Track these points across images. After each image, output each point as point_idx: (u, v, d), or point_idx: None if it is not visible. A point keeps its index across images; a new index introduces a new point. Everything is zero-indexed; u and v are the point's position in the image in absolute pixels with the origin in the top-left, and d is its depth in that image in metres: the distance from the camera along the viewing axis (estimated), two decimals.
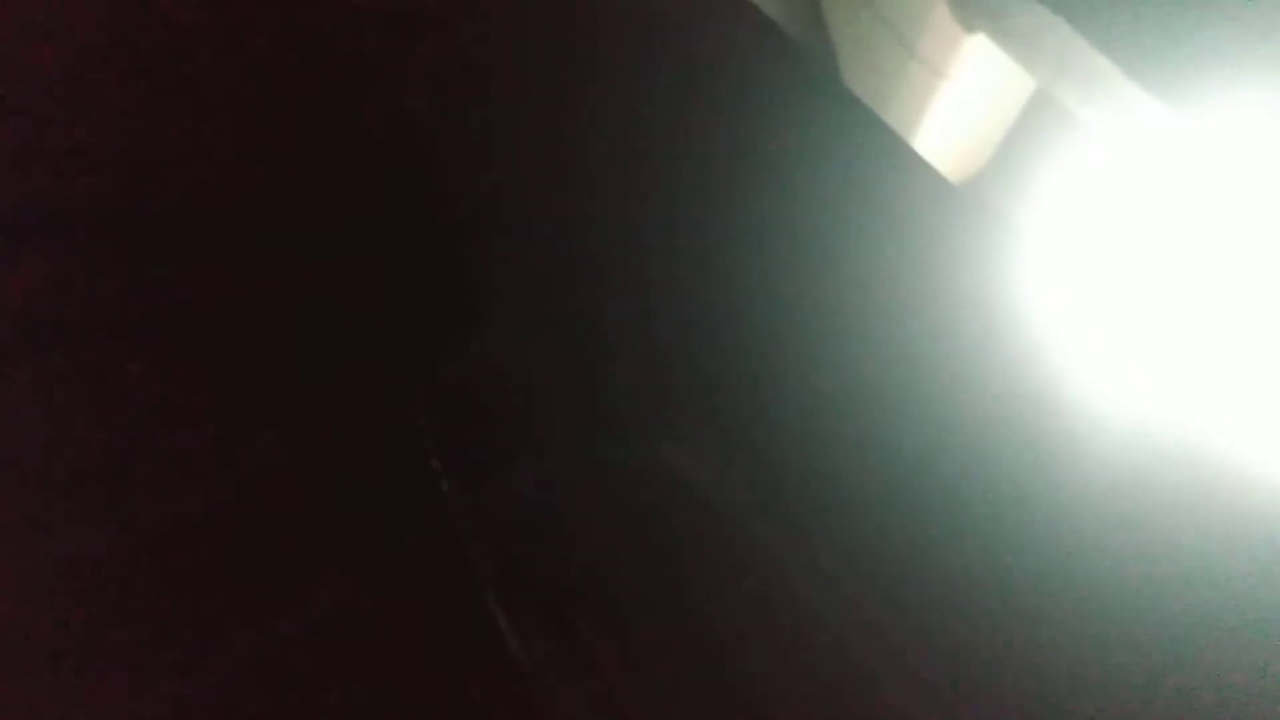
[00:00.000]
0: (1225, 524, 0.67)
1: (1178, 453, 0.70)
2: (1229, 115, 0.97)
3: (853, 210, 0.75)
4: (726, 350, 0.72)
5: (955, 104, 1.96)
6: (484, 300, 0.73)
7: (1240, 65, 0.96)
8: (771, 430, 0.71)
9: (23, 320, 0.63)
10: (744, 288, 0.74)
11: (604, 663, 0.70)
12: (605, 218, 0.74)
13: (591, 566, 0.70)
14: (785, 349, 0.73)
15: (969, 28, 1.38)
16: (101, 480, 0.65)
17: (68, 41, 0.66)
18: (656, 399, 0.72)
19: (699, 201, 0.76)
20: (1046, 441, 0.71)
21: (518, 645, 0.70)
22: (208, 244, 0.70)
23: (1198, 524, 0.67)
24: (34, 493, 0.63)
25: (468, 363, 0.71)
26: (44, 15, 0.64)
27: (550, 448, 0.71)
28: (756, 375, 0.72)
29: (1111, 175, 2.07)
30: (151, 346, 0.67)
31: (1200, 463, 0.70)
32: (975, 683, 0.69)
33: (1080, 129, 1.84)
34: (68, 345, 0.63)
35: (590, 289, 0.73)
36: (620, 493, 0.70)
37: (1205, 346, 1.44)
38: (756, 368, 0.72)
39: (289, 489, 0.67)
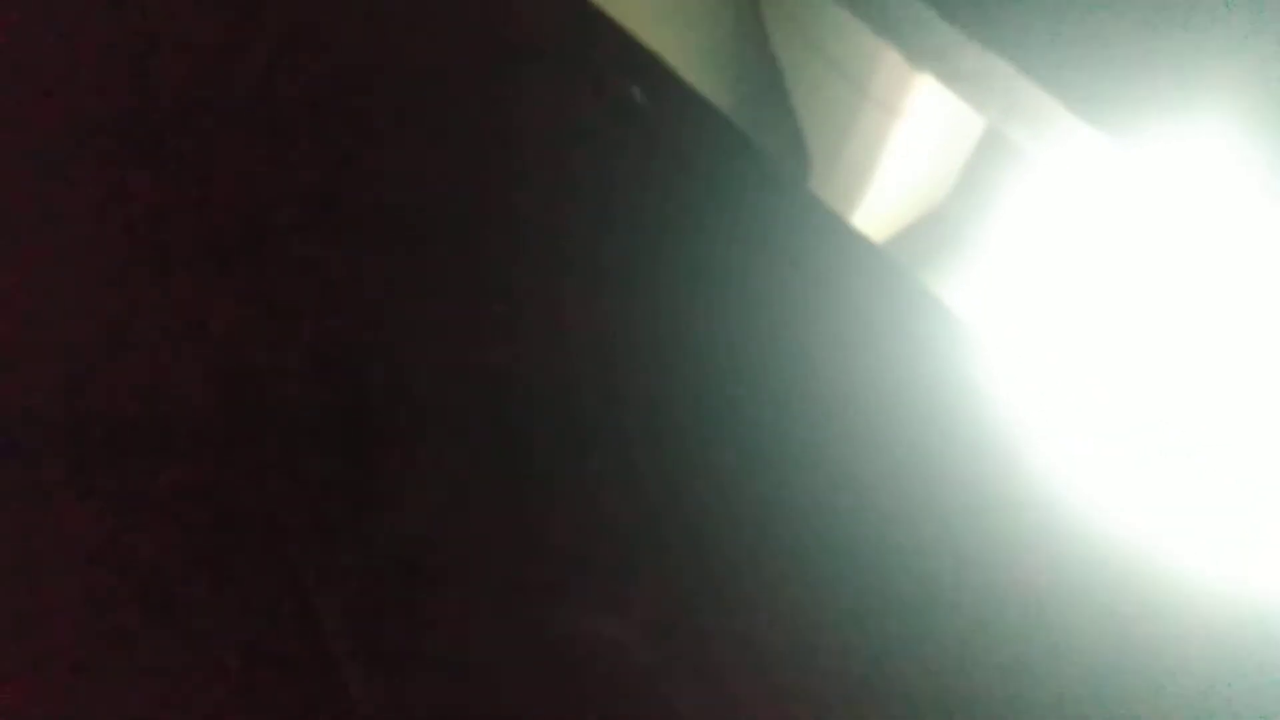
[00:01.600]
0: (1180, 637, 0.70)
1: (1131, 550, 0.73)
2: (1172, 146, 1.01)
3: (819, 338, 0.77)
4: (675, 512, 0.73)
5: (909, 142, 2.00)
6: (397, 477, 0.73)
7: (1181, 99, 1.00)
8: (716, 599, 0.72)
9: None
10: (697, 441, 0.75)
11: None
12: (536, 367, 0.76)
13: None
14: (728, 470, 0.74)
15: (918, 69, 1.42)
16: None
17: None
18: (596, 567, 0.72)
19: (643, 348, 0.77)
20: (1013, 548, 0.72)
21: None
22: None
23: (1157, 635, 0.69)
24: None
25: (380, 529, 0.71)
26: None
27: (470, 620, 0.70)
28: (705, 537, 0.73)
29: (1062, 206, 2.12)
30: None
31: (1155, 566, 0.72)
32: None
33: (1031, 162, 1.90)
34: None
35: (523, 447, 0.74)
36: (551, 664, 0.70)
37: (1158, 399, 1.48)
38: (707, 527, 0.73)
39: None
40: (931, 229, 2.43)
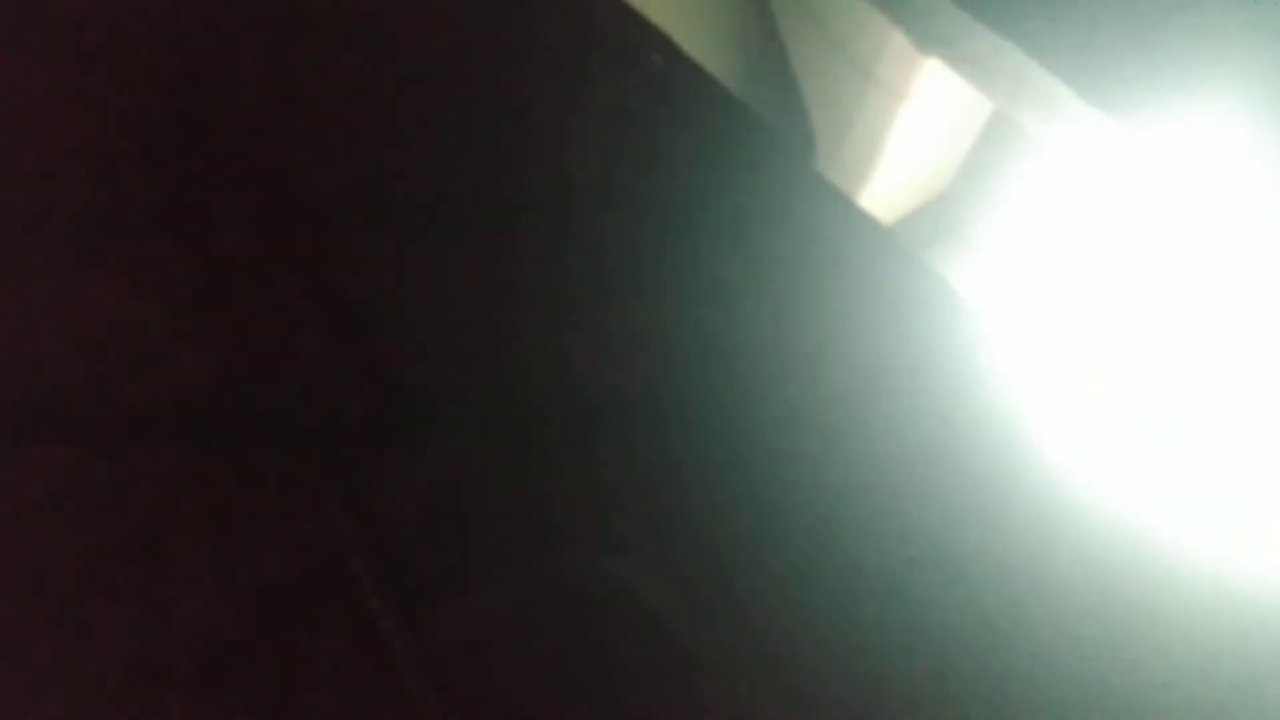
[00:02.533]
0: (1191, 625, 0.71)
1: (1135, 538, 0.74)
2: (1179, 129, 1.01)
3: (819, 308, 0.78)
4: (673, 460, 0.74)
5: (916, 125, 2.00)
6: (419, 423, 0.75)
7: (1187, 81, 1.01)
8: (717, 538, 0.73)
9: None
10: (697, 396, 0.76)
11: None
12: (538, 331, 0.77)
13: (539, 687, 0.70)
14: (733, 456, 0.75)
15: (925, 53, 1.42)
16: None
17: None
18: (598, 512, 0.73)
19: (644, 313, 0.78)
20: (1017, 544, 0.73)
21: None
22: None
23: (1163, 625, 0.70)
24: None
25: (403, 492, 0.72)
26: None
27: (490, 569, 0.72)
28: (703, 484, 0.74)
29: (1069, 189, 2.12)
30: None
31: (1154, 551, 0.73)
32: None
33: (1038, 145, 1.90)
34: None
35: (529, 402, 0.75)
36: (563, 608, 0.71)
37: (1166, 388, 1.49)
38: (703, 476, 0.74)
39: (227, 647, 0.67)
40: (937, 212, 2.43)
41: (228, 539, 0.69)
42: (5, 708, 0.65)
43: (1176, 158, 1.03)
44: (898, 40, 1.55)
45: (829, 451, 0.76)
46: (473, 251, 0.79)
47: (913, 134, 2.09)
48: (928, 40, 1.27)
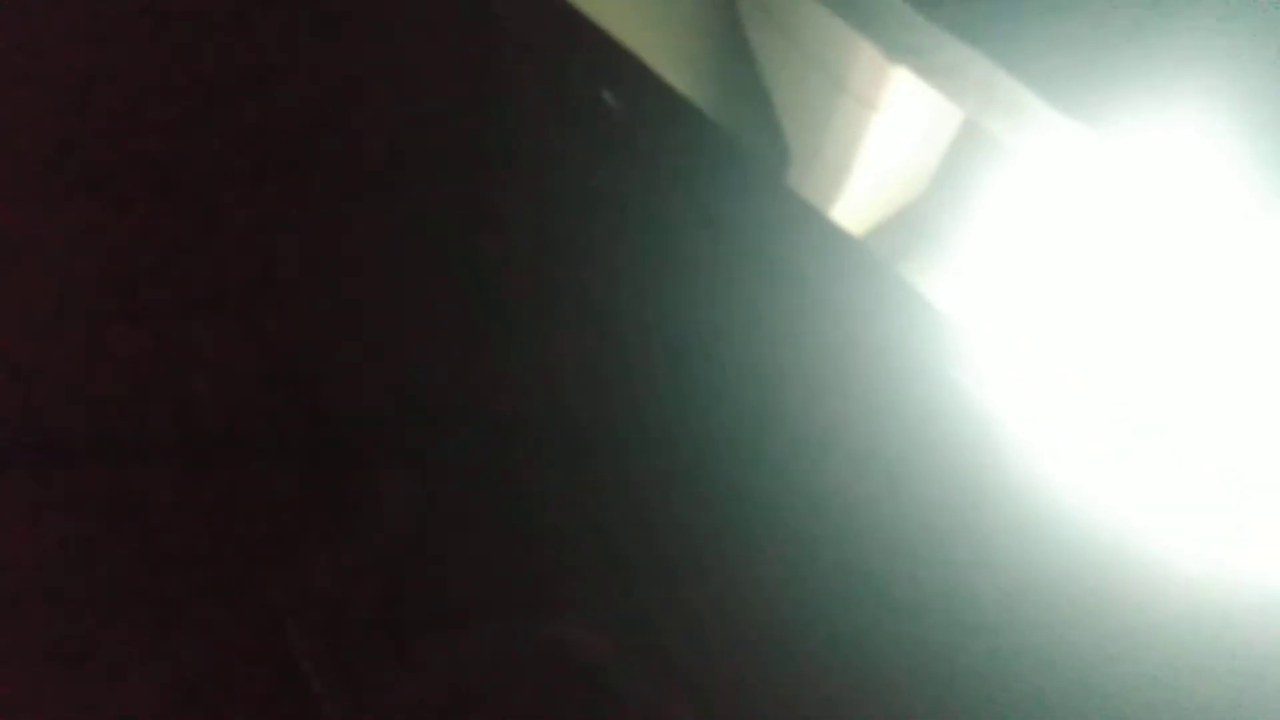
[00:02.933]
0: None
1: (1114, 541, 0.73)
2: (1149, 136, 1.02)
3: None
4: (647, 527, 0.73)
5: (888, 135, 2.01)
6: (376, 494, 0.73)
7: (1157, 89, 1.01)
8: (680, 607, 0.72)
9: None
10: (686, 444, 0.75)
11: None
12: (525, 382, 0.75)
13: None
14: (719, 533, 0.74)
15: (894, 63, 1.42)
16: None
17: None
18: (564, 576, 0.72)
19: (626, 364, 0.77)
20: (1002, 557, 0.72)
21: None
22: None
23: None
24: None
25: (342, 560, 0.70)
26: None
27: (458, 629, 0.70)
28: (670, 553, 0.73)
29: (1041, 197, 2.13)
30: None
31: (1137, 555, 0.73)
32: None
33: (1010, 153, 1.91)
34: None
35: (515, 458, 0.74)
36: (521, 674, 0.70)
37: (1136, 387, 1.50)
38: (672, 546, 0.73)
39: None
40: (911, 221, 2.44)
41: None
42: None
43: (1147, 165, 1.03)
44: (867, 50, 1.54)
45: (802, 461, 0.76)
46: (451, 266, 0.78)
47: (885, 143, 2.09)
48: (897, 50, 1.27)
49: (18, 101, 0.76)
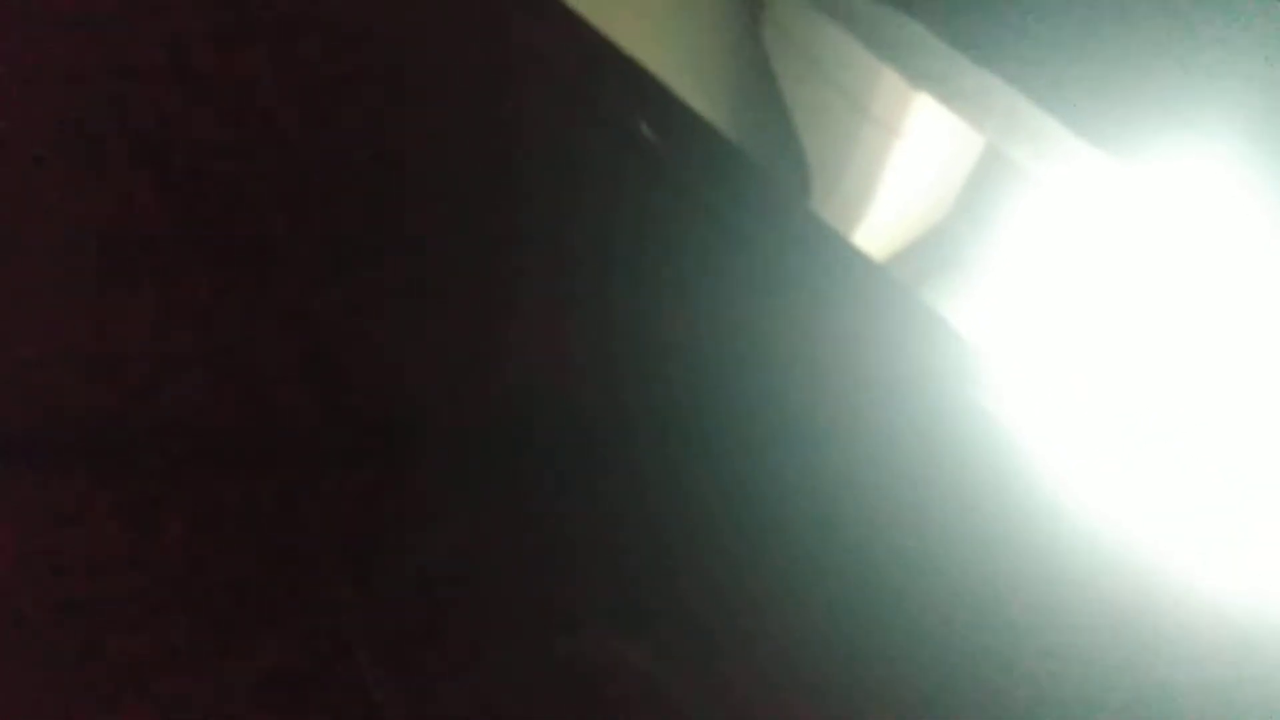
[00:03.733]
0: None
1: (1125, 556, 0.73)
2: (1172, 165, 1.02)
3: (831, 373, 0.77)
4: (691, 537, 0.73)
5: (911, 160, 2.01)
6: (423, 502, 0.74)
7: (1182, 118, 1.01)
8: (729, 618, 0.72)
9: None
10: (706, 466, 0.75)
11: None
12: (544, 392, 0.76)
13: None
14: (744, 532, 0.74)
15: (917, 89, 1.43)
16: None
17: None
18: (613, 589, 0.72)
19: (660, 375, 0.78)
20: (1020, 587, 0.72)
21: None
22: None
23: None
24: None
25: (403, 571, 0.71)
26: None
27: (494, 646, 0.70)
28: (718, 561, 0.73)
29: (1063, 224, 2.13)
30: None
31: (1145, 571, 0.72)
32: None
33: (1032, 180, 1.90)
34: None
35: (540, 478, 0.74)
36: (571, 687, 0.70)
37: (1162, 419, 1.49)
38: (718, 554, 0.73)
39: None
40: (933, 246, 2.43)
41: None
42: None
43: (1173, 195, 1.03)
44: (890, 76, 1.55)
45: (828, 485, 0.76)
46: (468, 284, 0.79)
47: (907, 168, 2.09)
48: (920, 77, 1.28)
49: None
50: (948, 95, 1.26)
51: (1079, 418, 0.81)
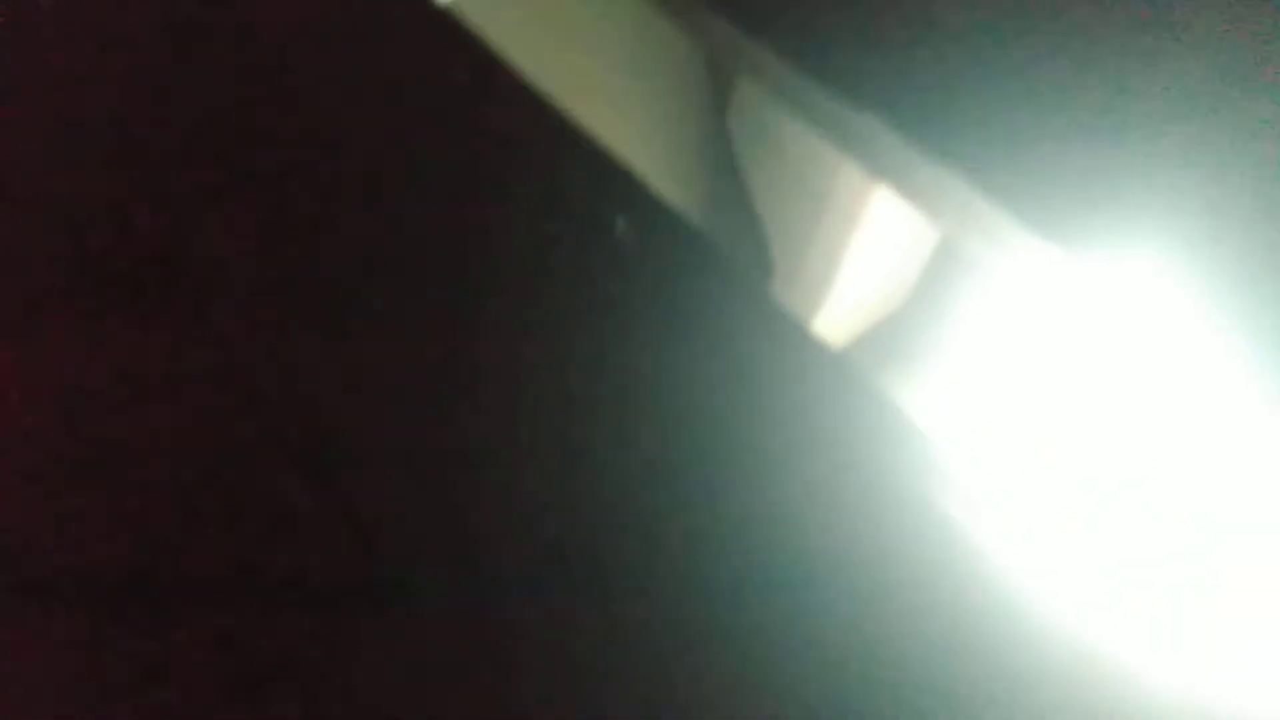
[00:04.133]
0: None
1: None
2: (1131, 259, 1.04)
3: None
4: (646, 629, 0.74)
5: (870, 249, 2.06)
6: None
7: (1138, 210, 1.05)
8: (684, 714, 0.72)
9: None
10: (661, 557, 0.76)
11: None
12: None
13: None
14: (695, 618, 0.75)
15: (875, 181, 1.47)
16: None
17: None
18: (569, 688, 0.72)
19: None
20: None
21: None
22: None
23: None
24: None
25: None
26: None
27: None
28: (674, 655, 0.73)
29: (1018, 313, 2.18)
30: None
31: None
32: None
33: (989, 271, 1.95)
34: None
35: (486, 581, 0.74)
36: None
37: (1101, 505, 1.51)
38: (668, 639, 0.73)
39: None
40: (890, 332, 2.48)
41: None
42: None
43: (1120, 287, 1.06)
44: (850, 167, 1.59)
45: (784, 575, 0.76)
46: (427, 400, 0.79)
47: (867, 256, 2.13)
48: (877, 169, 1.32)
49: None
50: (904, 189, 1.29)
51: (1031, 506, 0.82)
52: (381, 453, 0.76)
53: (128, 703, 0.65)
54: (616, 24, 1.91)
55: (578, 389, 0.78)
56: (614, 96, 1.99)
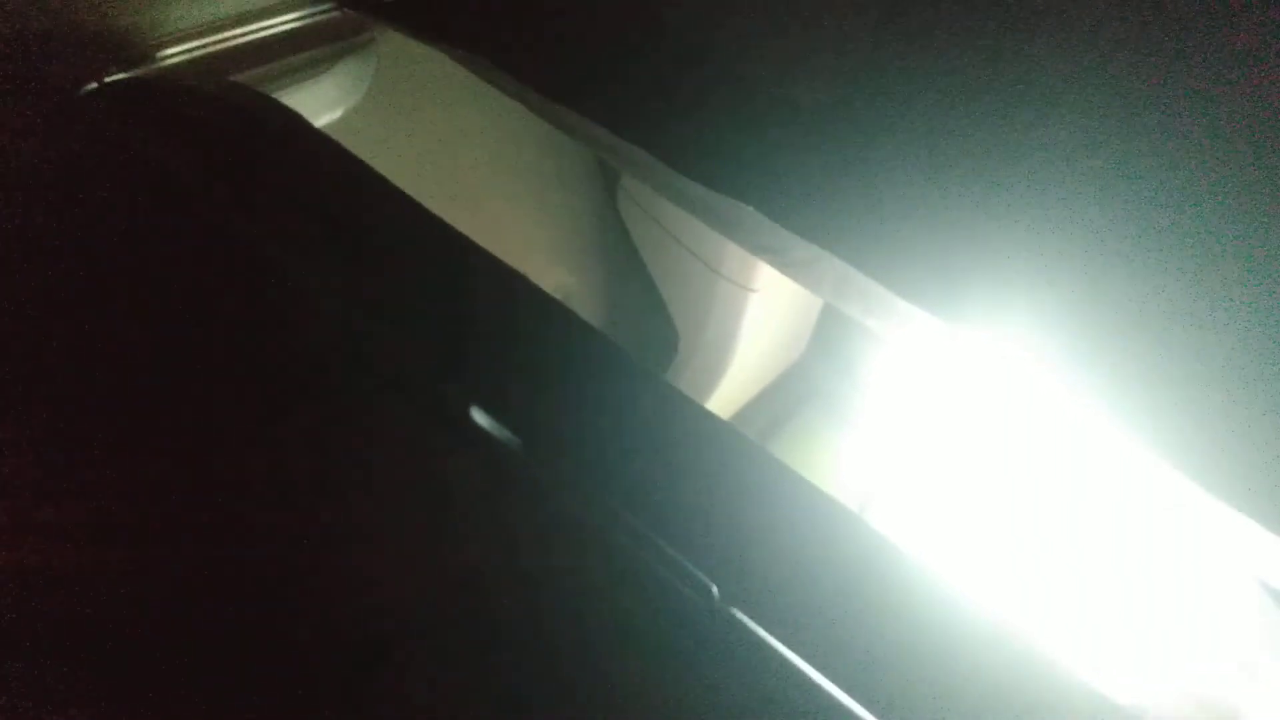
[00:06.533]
0: None
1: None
2: (997, 324, 1.10)
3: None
4: None
5: (764, 311, 2.15)
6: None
7: (1004, 280, 1.11)
8: None
9: None
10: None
11: None
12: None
13: None
14: None
15: (758, 257, 1.54)
16: None
17: None
18: None
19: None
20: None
21: None
22: None
23: None
24: None
25: None
26: None
27: None
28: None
29: (903, 373, 2.29)
30: None
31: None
32: None
33: (874, 336, 2.05)
34: None
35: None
36: None
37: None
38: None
39: None
40: (793, 383, 2.57)
41: None
42: None
43: (996, 355, 1.12)
44: (736, 246, 1.67)
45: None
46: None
47: (764, 318, 2.22)
48: (758, 249, 1.39)
49: None
50: (785, 264, 1.36)
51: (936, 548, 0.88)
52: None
53: None
54: (510, 135, 1.98)
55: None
56: (513, 190, 2.05)
